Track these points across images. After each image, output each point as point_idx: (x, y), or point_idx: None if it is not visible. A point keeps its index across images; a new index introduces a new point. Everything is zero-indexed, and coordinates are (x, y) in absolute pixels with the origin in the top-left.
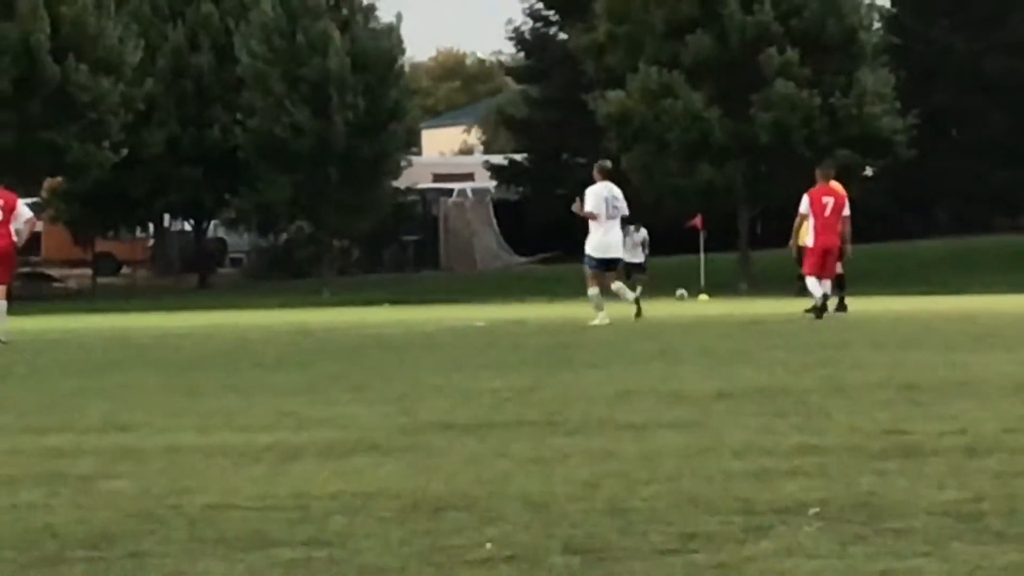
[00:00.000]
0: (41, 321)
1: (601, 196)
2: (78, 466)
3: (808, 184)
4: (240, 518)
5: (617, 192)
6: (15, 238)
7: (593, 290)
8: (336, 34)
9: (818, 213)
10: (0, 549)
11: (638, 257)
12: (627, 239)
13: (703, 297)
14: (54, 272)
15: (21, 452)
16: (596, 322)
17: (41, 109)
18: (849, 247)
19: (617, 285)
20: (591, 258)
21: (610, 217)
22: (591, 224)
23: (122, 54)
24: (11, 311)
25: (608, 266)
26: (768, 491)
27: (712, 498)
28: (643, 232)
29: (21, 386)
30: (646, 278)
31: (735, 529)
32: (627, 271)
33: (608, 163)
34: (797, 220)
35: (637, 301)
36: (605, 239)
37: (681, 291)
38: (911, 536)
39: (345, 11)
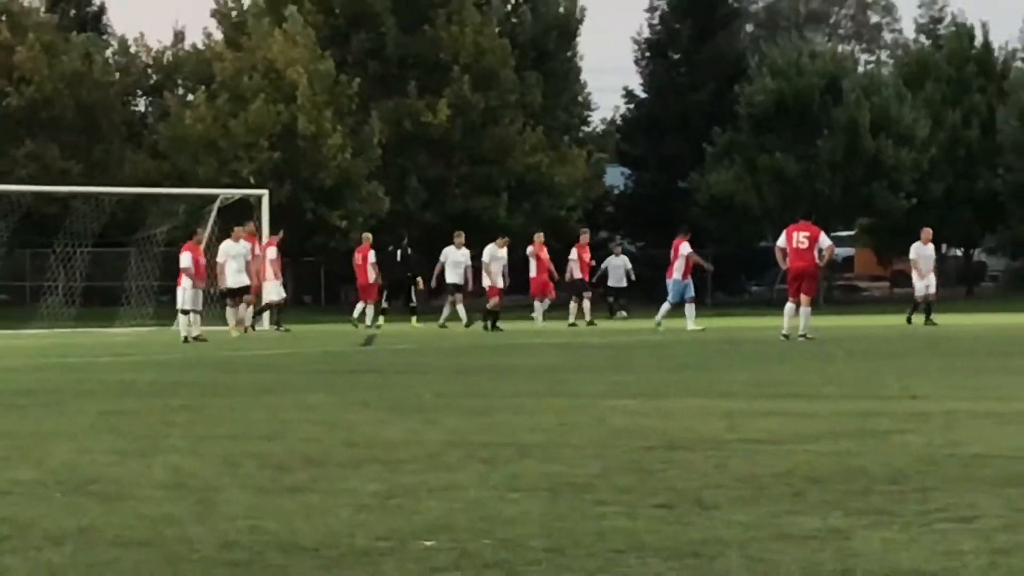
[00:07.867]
0: (846, 320)
1: None
2: (880, 424)
3: None
4: (1000, 464)
5: None
6: (817, 259)
7: None
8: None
9: None
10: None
11: None
12: None
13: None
14: (863, 284)
15: (840, 413)
16: None
17: (861, 172)
18: None
19: None
20: None
21: None
22: None
23: (914, 130)
24: (820, 313)
25: None
26: None
27: None
28: None
29: (841, 367)
30: None
31: None
32: None
33: None
34: None
35: None
36: None
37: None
38: None
39: None
